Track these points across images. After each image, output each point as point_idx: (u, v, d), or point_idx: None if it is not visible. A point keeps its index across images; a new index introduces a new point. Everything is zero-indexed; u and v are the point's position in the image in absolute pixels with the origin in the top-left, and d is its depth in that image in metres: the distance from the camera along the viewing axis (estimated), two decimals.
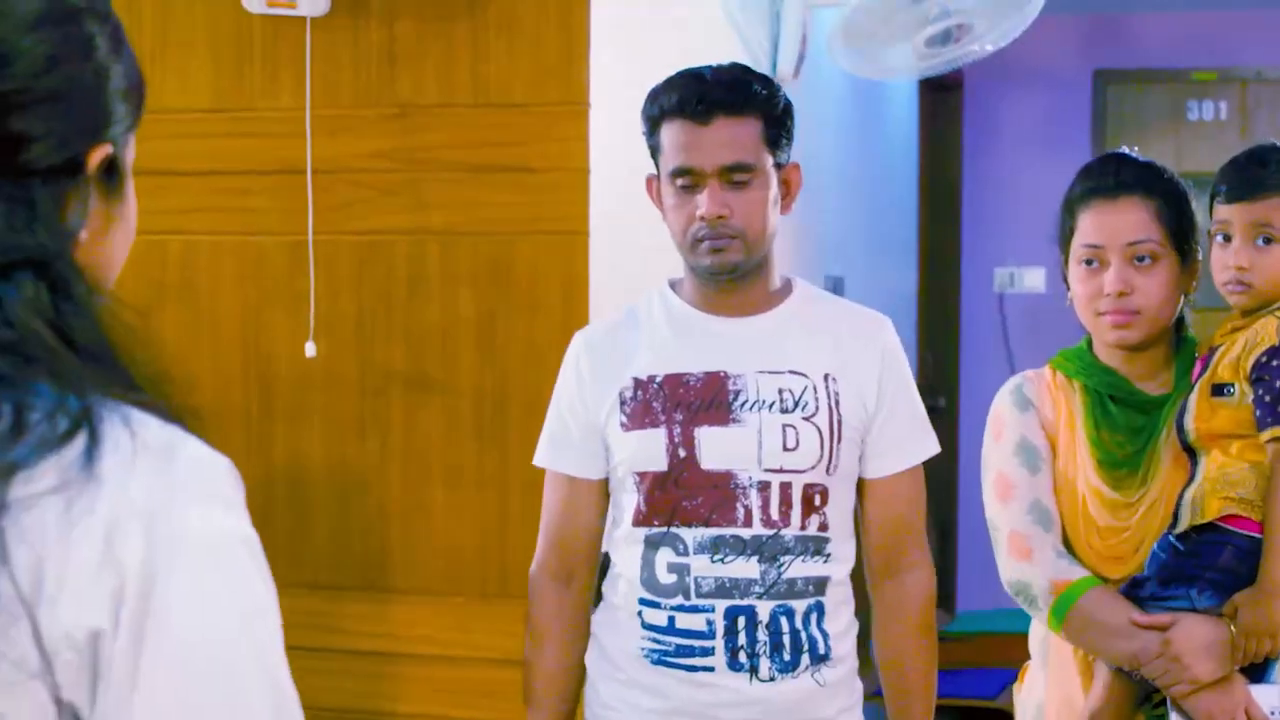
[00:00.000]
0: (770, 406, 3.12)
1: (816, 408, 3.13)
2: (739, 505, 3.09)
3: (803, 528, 3.11)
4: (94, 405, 1.27)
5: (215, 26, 4.23)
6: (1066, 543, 3.13)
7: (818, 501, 3.13)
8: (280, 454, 4.22)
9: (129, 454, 1.26)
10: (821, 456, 3.12)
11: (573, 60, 3.99)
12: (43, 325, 1.28)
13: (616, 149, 4.05)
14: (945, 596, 7.95)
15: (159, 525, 1.25)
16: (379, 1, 4.13)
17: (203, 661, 1.26)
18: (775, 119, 3.15)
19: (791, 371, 3.15)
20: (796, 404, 3.13)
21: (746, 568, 3.09)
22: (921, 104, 8.21)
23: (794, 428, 3.12)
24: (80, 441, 1.25)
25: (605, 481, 3.25)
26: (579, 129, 3.98)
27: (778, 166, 3.16)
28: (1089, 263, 3.13)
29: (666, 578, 3.13)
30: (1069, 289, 3.20)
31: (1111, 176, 3.16)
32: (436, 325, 4.12)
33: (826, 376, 3.16)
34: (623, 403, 3.17)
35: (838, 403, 3.15)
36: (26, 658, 1.21)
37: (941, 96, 8.62)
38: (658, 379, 3.16)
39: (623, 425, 3.17)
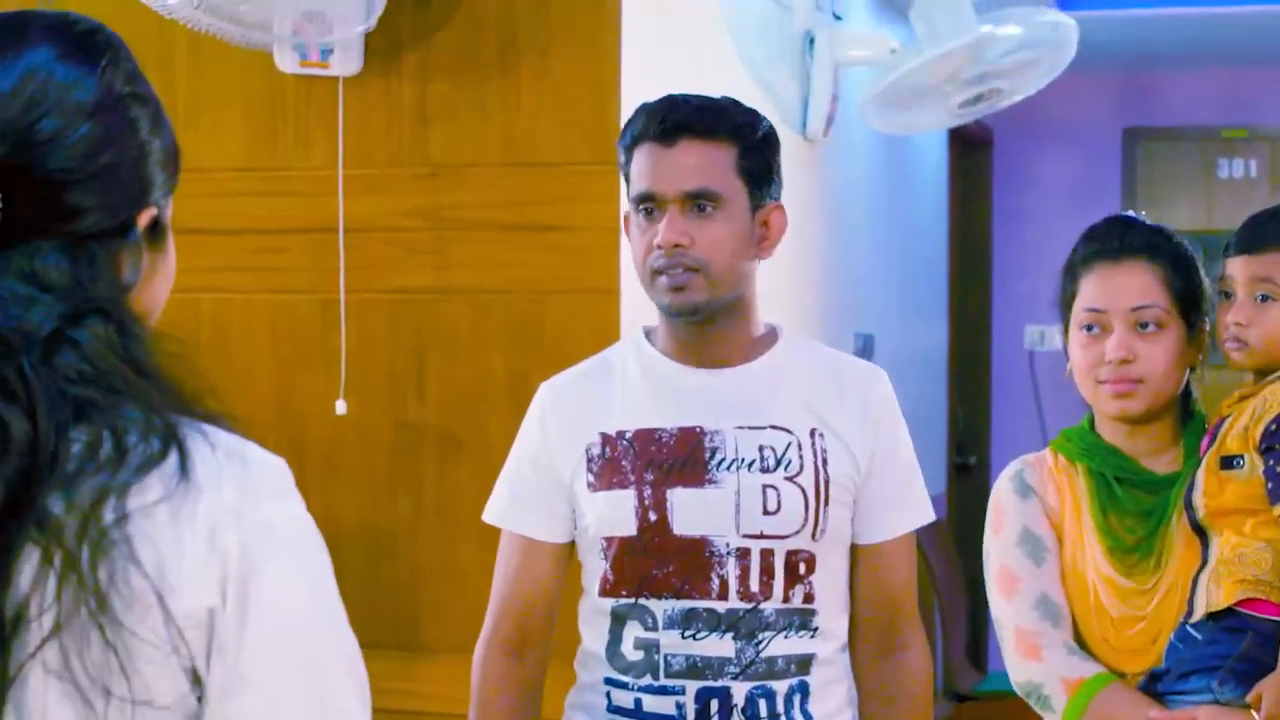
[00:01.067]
0: (750, 466, 2.83)
1: (801, 466, 2.83)
2: (713, 575, 2.80)
3: (785, 600, 2.81)
4: (176, 423, 1.54)
5: (248, 86, 4.26)
6: (1079, 637, 2.96)
7: (803, 570, 2.83)
8: (311, 512, 4.18)
9: (214, 463, 1.54)
10: (806, 520, 2.82)
11: (604, 119, 4.00)
12: (118, 360, 1.54)
13: None
14: (976, 654, 7.93)
15: (247, 519, 1.54)
16: (411, 61, 4.15)
17: (291, 624, 1.56)
18: (752, 148, 2.87)
19: (773, 427, 2.85)
20: (779, 462, 2.83)
21: (720, 645, 2.80)
22: (951, 162, 8.22)
23: (775, 489, 2.82)
24: (174, 456, 1.52)
25: (568, 545, 2.97)
26: (610, 188, 3.99)
27: (756, 206, 2.87)
28: (1089, 329, 2.96)
29: (634, 654, 2.85)
30: (1068, 359, 3.04)
31: (1116, 239, 3.00)
32: (468, 384, 4.13)
33: (813, 432, 2.86)
34: (590, 460, 2.88)
35: (825, 461, 2.85)
36: (162, 637, 1.50)
37: (971, 154, 8.62)
38: (628, 435, 2.87)
39: (590, 485, 2.88)
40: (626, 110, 4.00)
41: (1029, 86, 5.17)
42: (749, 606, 2.80)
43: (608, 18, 4.02)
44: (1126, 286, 2.95)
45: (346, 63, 4.08)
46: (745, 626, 2.79)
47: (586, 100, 4.03)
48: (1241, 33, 7.80)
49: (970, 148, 8.53)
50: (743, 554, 2.80)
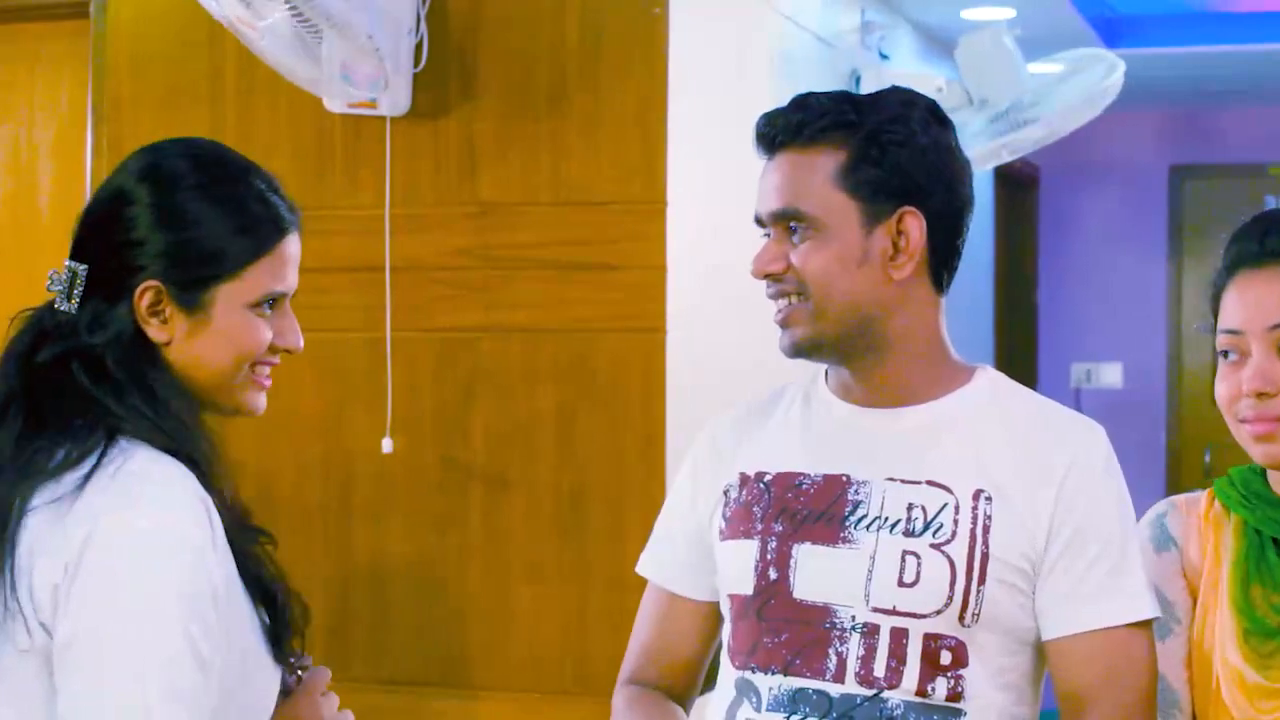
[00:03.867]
0: (893, 526, 2.31)
1: (954, 533, 2.29)
2: (831, 652, 2.30)
3: (920, 693, 2.27)
4: (116, 444, 2.00)
5: (297, 126, 4.28)
6: None
7: (946, 660, 2.28)
8: (360, 550, 4.23)
9: (110, 479, 1.97)
10: (950, 599, 2.27)
11: (652, 159, 4.02)
12: (84, 389, 2.04)
13: (694, 247, 4.06)
14: None
15: (103, 519, 1.94)
16: (459, 102, 4.17)
17: (103, 605, 1.93)
18: (865, 153, 2.34)
19: (930, 483, 2.33)
20: (927, 526, 2.30)
21: None
22: (997, 199, 8.20)
23: (916, 556, 2.29)
24: (88, 466, 1.97)
25: (715, 605, 2.52)
26: (658, 227, 4.00)
27: (876, 219, 2.35)
28: (1227, 354, 2.32)
29: None
30: None
31: (1256, 240, 2.31)
32: (516, 422, 4.13)
33: (978, 495, 2.31)
34: (726, 503, 2.45)
35: (986, 531, 2.29)
36: (24, 600, 1.95)
37: (1017, 192, 8.61)
38: (767, 477, 2.41)
39: (721, 532, 2.43)
40: (673, 150, 4.02)
41: (1068, 126, 5.18)
42: (868, 694, 2.28)
43: (656, 58, 4.04)
44: (1267, 299, 2.29)
45: (395, 103, 4.10)
46: (862, 717, 2.27)
47: (635, 140, 4.05)
48: None
49: (1016, 186, 8.52)
50: (870, 631, 2.29)
